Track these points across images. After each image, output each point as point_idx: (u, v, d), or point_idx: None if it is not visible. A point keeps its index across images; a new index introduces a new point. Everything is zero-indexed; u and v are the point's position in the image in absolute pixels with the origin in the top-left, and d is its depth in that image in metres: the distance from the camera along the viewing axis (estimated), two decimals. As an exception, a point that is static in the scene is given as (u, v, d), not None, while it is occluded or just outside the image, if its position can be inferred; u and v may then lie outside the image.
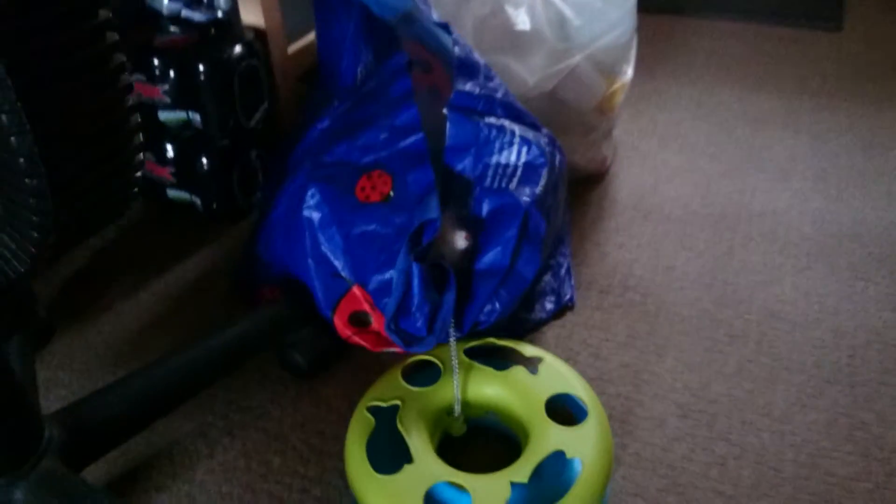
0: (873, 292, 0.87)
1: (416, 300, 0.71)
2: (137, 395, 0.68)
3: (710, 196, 1.02)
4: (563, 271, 0.88)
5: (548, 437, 0.63)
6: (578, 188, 1.04)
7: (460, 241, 0.77)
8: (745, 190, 1.03)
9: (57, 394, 0.79)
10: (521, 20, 0.92)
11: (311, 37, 1.09)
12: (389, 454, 0.64)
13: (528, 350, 0.73)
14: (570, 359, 0.80)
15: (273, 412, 0.76)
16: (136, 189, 0.37)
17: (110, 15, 0.33)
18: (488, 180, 0.76)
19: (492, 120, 0.78)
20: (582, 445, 0.62)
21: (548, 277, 0.86)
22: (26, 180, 0.29)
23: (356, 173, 0.82)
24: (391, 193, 0.79)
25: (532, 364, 0.71)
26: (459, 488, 0.60)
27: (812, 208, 1.00)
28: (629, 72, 1.02)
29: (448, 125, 0.76)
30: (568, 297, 0.86)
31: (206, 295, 0.91)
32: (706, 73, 1.33)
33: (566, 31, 0.94)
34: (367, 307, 0.78)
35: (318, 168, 0.83)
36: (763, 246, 0.94)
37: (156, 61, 0.91)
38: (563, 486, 0.59)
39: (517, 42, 0.93)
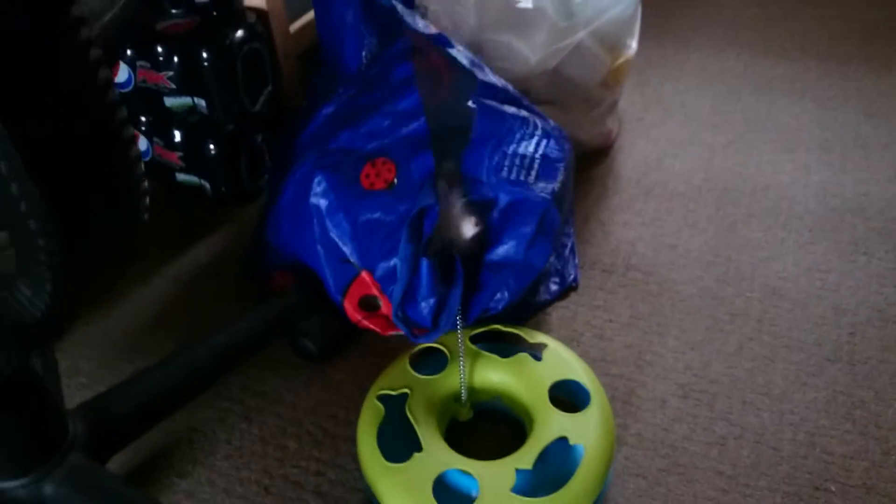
0: (875, 267, 0.88)
1: (423, 291, 0.73)
2: (157, 387, 0.70)
3: (714, 170, 1.03)
4: (567, 251, 0.89)
5: (551, 424, 0.65)
6: (583, 163, 1.04)
7: (469, 227, 0.78)
8: (748, 163, 1.04)
9: (78, 382, 0.81)
10: (524, -2, 0.92)
11: (311, 14, 1.08)
12: (399, 443, 0.67)
13: (533, 336, 0.75)
14: (574, 340, 0.82)
15: (287, 397, 0.79)
16: (146, 216, 0.38)
17: (101, 53, 0.33)
18: (505, 171, 0.77)
19: (514, 110, 0.78)
20: (584, 431, 0.64)
21: (552, 259, 0.88)
22: (30, 222, 0.30)
23: (361, 161, 0.82)
24: (395, 181, 0.80)
25: (536, 350, 0.73)
26: (467, 474, 0.63)
27: (815, 181, 1.00)
28: (633, 45, 1.01)
29: (475, 116, 0.76)
30: (572, 277, 0.88)
31: (219, 280, 0.93)
32: (712, 37, 1.31)
33: (569, 8, 0.93)
34: (376, 291, 0.80)
35: (324, 156, 0.84)
36: (766, 221, 0.94)
37: (159, 49, 0.91)
38: (567, 471, 0.61)
39: (519, 20, 0.92)
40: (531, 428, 0.67)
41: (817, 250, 0.90)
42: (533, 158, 0.77)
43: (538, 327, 0.84)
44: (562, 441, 0.63)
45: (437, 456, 0.65)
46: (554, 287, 0.87)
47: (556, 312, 0.86)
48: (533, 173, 0.77)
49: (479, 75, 0.78)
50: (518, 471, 0.62)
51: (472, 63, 0.80)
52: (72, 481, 0.61)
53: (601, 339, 0.82)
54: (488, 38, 0.93)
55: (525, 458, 0.63)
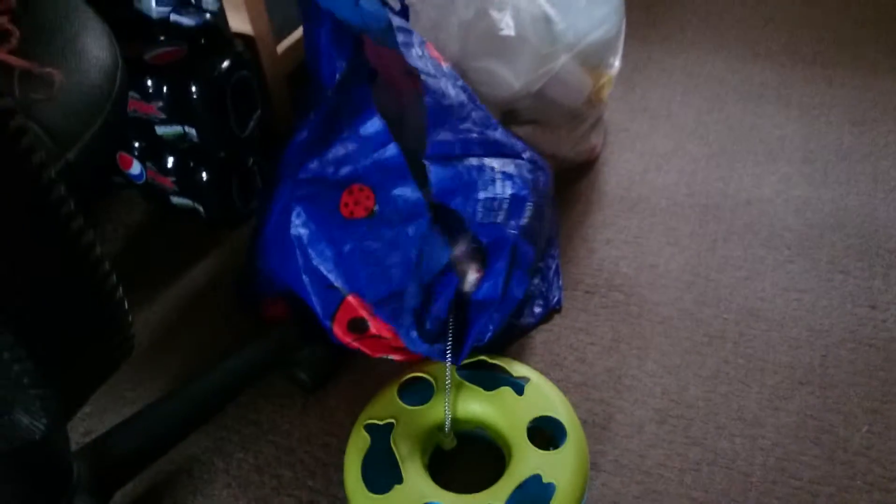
0: (851, 287, 0.90)
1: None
2: (156, 426, 0.74)
3: (696, 184, 1.05)
4: (551, 273, 0.92)
5: (527, 461, 0.69)
6: (567, 179, 1.06)
7: (472, 273, 0.81)
8: (731, 176, 1.05)
9: (81, 412, 0.85)
10: (506, 24, 0.93)
11: (298, 33, 1.09)
12: (382, 473, 0.70)
13: (517, 369, 0.78)
14: (556, 364, 0.85)
15: (282, 425, 0.83)
16: (131, 338, 0.41)
17: (62, 192, 0.35)
18: (479, 215, 0.79)
19: (472, 161, 0.80)
20: (558, 470, 0.67)
21: (536, 281, 0.91)
22: (14, 367, 0.33)
23: (336, 189, 0.85)
24: (375, 209, 0.83)
25: (519, 384, 0.76)
26: None
27: (796, 195, 1.02)
28: (617, 63, 1.02)
29: (430, 174, 0.78)
30: (556, 299, 0.91)
31: (214, 303, 0.96)
32: (700, 39, 1.32)
33: (551, 33, 0.94)
34: (363, 314, 0.83)
35: (298, 186, 0.86)
36: (746, 238, 0.97)
37: (148, 81, 0.93)
38: None
39: (502, 47, 0.93)
40: (508, 462, 0.71)
41: (795, 269, 0.93)
42: (502, 200, 0.79)
43: (522, 350, 0.87)
44: (535, 479, 0.67)
45: (416, 488, 0.68)
46: (538, 310, 0.90)
47: (540, 335, 0.88)
48: (502, 213, 0.79)
49: (433, 134, 0.79)
50: None
51: (437, 110, 0.80)
52: (77, 524, 0.65)
53: (583, 363, 0.85)
54: (471, 65, 0.94)
55: (499, 494, 0.66)
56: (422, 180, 0.81)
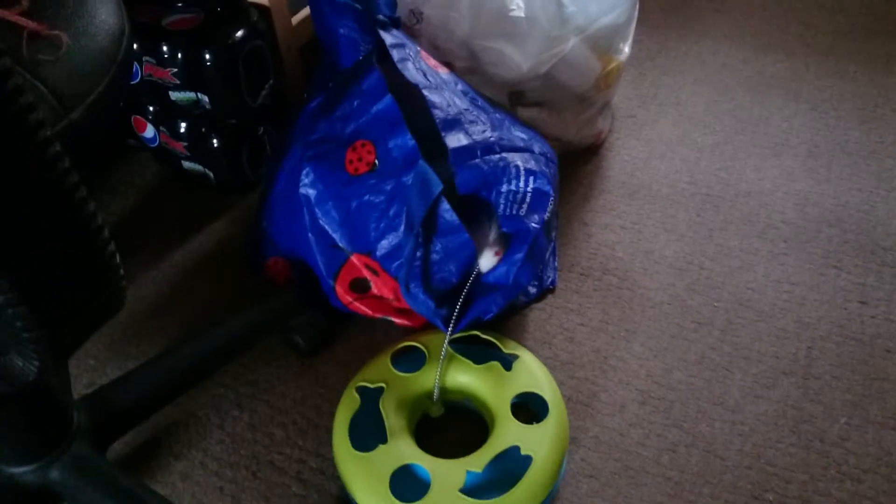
0: (843, 282, 0.91)
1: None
2: (155, 381, 0.77)
3: (699, 173, 1.06)
4: (548, 255, 0.94)
5: (507, 433, 0.71)
6: (572, 163, 1.07)
7: (489, 255, 0.83)
8: (734, 167, 1.06)
9: (87, 364, 0.89)
10: (516, 5, 0.94)
11: (315, 6, 1.11)
12: (368, 433, 0.73)
13: (508, 346, 0.80)
14: (546, 343, 0.87)
15: (277, 387, 0.86)
16: (122, 290, 0.43)
17: (58, 148, 0.37)
18: (502, 208, 0.81)
19: (494, 158, 0.82)
20: (537, 443, 0.70)
21: (533, 262, 0.92)
22: (8, 310, 0.35)
23: (342, 147, 0.87)
24: (376, 162, 0.85)
25: (508, 360, 0.78)
26: (423, 469, 0.69)
27: (797, 189, 1.03)
28: (626, 49, 1.03)
29: (456, 180, 0.80)
30: (550, 280, 0.93)
31: (220, 267, 0.99)
32: (714, 28, 1.32)
33: (561, 16, 0.95)
34: (366, 274, 0.86)
35: (308, 147, 0.89)
36: (742, 229, 0.98)
37: (164, 46, 0.95)
38: (514, 478, 0.68)
39: (512, 28, 0.94)
40: (490, 433, 0.73)
41: (789, 262, 0.94)
42: (525, 193, 0.81)
43: (514, 327, 0.89)
44: (514, 449, 0.69)
45: (398, 449, 0.71)
46: (532, 290, 0.91)
47: (533, 314, 0.91)
48: (525, 206, 0.81)
49: (451, 142, 0.81)
50: (469, 472, 0.68)
51: (445, 122, 0.82)
52: (75, 468, 0.68)
53: (571, 343, 0.87)
54: (481, 44, 0.96)
55: (477, 461, 0.69)
56: (435, 140, 0.83)
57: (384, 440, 0.72)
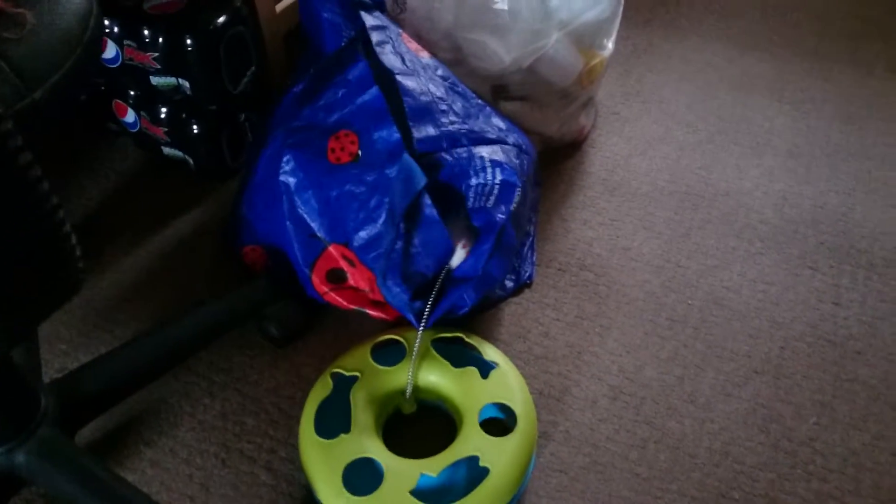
0: (818, 282, 0.92)
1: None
2: (126, 366, 0.77)
3: (679, 171, 1.06)
4: (525, 249, 0.94)
5: (470, 441, 0.70)
6: (553, 158, 1.07)
7: (459, 249, 0.83)
8: (714, 165, 1.07)
9: (58, 348, 0.88)
10: (500, -2, 0.93)
11: (299, -7, 1.10)
12: (333, 420, 0.73)
13: (489, 353, 0.79)
14: (521, 337, 0.87)
15: (250, 376, 0.85)
16: (79, 273, 0.43)
17: (10, 126, 0.36)
18: (471, 201, 0.81)
19: (460, 151, 0.82)
20: (496, 456, 0.69)
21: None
22: None
23: (324, 135, 0.86)
24: (359, 153, 0.84)
25: (486, 367, 0.77)
26: (379, 465, 0.69)
27: (776, 189, 1.03)
28: (610, 45, 1.03)
29: (419, 169, 0.80)
30: (528, 274, 0.92)
31: (198, 253, 0.98)
32: (701, 27, 1.32)
33: (545, 10, 0.95)
34: (343, 264, 0.85)
35: (290, 134, 0.88)
36: (721, 228, 0.98)
37: (145, 30, 0.95)
38: (466, 488, 0.67)
39: (495, 20, 0.94)
40: (455, 439, 0.73)
41: (765, 261, 0.94)
42: (493, 185, 0.81)
43: (490, 321, 0.89)
44: (473, 459, 0.68)
45: (358, 441, 0.71)
46: (510, 284, 0.91)
47: (509, 308, 0.91)
48: (492, 198, 0.81)
49: (414, 132, 0.81)
50: (423, 475, 0.67)
51: (415, 109, 0.81)
52: (42, 452, 0.68)
53: (546, 337, 0.87)
54: (464, 36, 0.96)
55: (434, 465, 0.69)
56: (405, 130, 0.83)
57: (347, 430, 0.72)
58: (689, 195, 1.02)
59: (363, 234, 0.84)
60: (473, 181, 0.81)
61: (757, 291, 0.91)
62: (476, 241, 0.81)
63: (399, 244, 0.81)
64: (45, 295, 0.40)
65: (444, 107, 0.83)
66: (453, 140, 0.82)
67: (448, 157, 0.81)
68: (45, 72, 0.45)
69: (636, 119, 1.14)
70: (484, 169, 0.81)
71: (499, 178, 0.81)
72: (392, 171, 0.82)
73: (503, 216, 0.80)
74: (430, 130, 0.81)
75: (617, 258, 0.95)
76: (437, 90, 0.83)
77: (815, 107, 1.15)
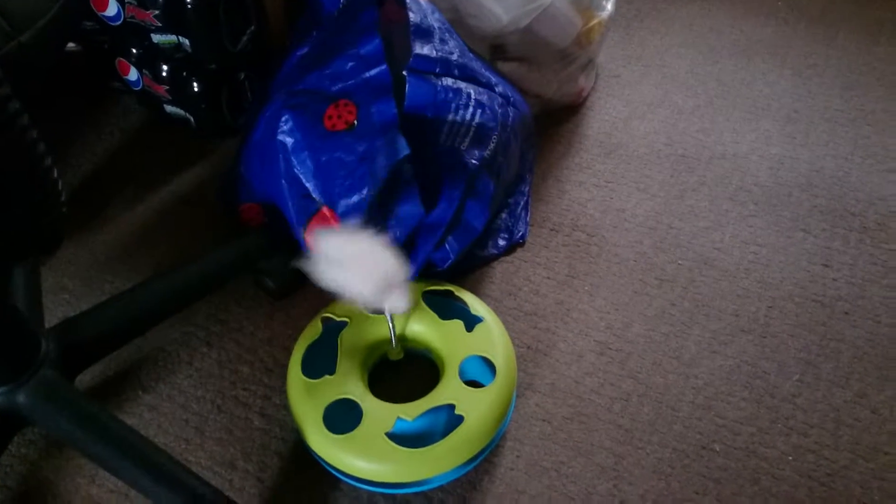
0: (809, 245, 0.92)
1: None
2: (125, 313, 0.79)
3: (676, 135, 1.06)
4: (519, 209, 0.95)
5: (448, 390, 0.72)
6: (551, 120, 1.08)
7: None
8: (712, 129, 1.07)
9: (62, 298, 0.91)
10: (497, -43, 0.94)
11: (301, -47, 1.11)
12: (319, 362, 0.75)
13: (476, 307, 0.80)
14: (511, 294, 0.89)
15: (247, 327, 0.87)
16: (64, 220, 0.44)
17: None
18: (443, 137, 0.82)
19: (448, 81, 0.82)
20: (472, 406, 0.70)
21: (504, 215, 0.94)
22: None
23: (325, 102, 0.87)
24: (355, 122, 0.86)
25: (471, 321, 0.79)
26: (358, 406, 0.71)
27: (772, 153, 1.03)
28: (609, 6, 1.03)
29: (407, 87, 0.80)
30: (520, 234, 0.94)
31: (196, 209, 1.00)
32: (708, -9, 1.31)
33: (542, -31, 0.95)
34: (336, 226, 0.87)
35: (292, 96, 0.89)
36: (715, 191, 0.99)
37: (145, -13, 0.96)
38: (440, 434, 0.69)
39: (492, -21, 0.94)
40: (433, 386, 0.74)
41: (757, 223, 0.95)
42: (469, 126, 0.82)
43: (482, 278, 0.91)
44: (449, 407, 0.70)
45: (341, 382, 0.73)
46: (502, 242, 0.93)
47: (501, 266, 0.92)
48: (467, 140, 0.81)
49: (416, 47, 0.81)
50: (399, 419, 0.69)
51: (418, 29, 0.82)
52: (42, 392, 0.70)
53: (536, 295, 0.89)
54: (461, -4, 0.96)
55: (411, 410, 0.70)
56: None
57: (332, 371, 0.74)
58: (686, 158, 1.03)
59: (346, 201, 0.85)
60: (450, 116, 0.81)
61: (748, 253, 0.92)
62: (443, 184, 0.81)
63: (374, 213, 0.82)
64: (27, 233, 0.42)
65: (445, 36, 0.83)
66: (447, 66, 0.82)
67: (438, 82, 0.81)
68: (33, 15, 0.46)
69: (637, 82, 1.15)
70: (466, 106, 0.82)
71: (477, 119, 0.82)
72: (381, 143, 0.83)
73: (476, 162, 0.81)
74: (427, 51, 0.81)
75: (610, 219, 0.96)
76: (438, 24, 0.84)
77: (817, 72, 1.15)
